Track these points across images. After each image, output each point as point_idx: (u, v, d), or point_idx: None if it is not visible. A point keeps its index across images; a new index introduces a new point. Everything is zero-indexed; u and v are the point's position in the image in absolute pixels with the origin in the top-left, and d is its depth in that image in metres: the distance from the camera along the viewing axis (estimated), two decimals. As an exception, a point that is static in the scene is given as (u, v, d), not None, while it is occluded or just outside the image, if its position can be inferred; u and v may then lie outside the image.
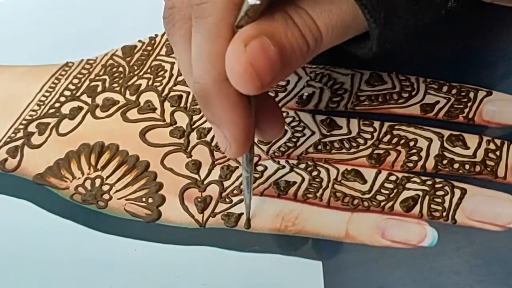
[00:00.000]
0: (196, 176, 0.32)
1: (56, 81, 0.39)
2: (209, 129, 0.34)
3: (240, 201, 0.30)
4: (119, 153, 0.34)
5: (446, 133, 0.31)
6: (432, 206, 0.28)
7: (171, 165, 0.33)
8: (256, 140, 0.32)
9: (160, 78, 0.38)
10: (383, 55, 0.27)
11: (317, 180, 0.30)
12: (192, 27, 0.24)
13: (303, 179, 0.30)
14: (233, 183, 0.31)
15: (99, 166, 0.33)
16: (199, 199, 0.31)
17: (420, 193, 0.28)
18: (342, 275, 0.27)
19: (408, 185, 0.29)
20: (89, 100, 0.37)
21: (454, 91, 0.32)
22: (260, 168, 0.31)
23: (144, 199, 0.31)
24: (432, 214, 0.28)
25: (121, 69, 0.39)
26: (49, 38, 0.43)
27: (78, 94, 0.38)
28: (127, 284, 0.28)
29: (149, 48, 0.40)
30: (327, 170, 0.30)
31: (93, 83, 0.39)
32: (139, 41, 0.41)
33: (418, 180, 0.29)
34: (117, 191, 0.32)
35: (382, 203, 0.28)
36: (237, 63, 0.22)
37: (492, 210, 0.27)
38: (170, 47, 0.40)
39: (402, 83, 0.33)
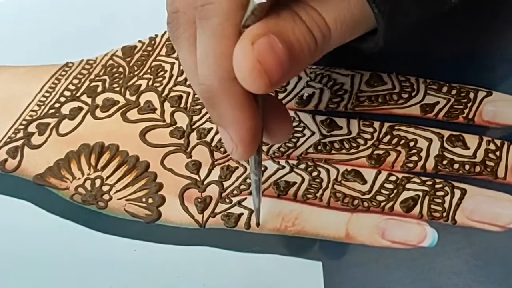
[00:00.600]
0: (196, 177, 0.32)
1: (56, 82, 0.39)
2: (209, 130, 0.34)
3: (240, 201, 0.30)
4: (119, 154, 0.34)
5: (446, 133, 0.31)
6: (432, 206, 0.28)
7: (171, 165, 0.33)
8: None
9: (160, 79, 0.38)
10: (383, 55, 0.27)
11: (317, 180, 0.30)
12: (197, 29, 0.23)
13: (303, 179, 0.30)
14: (233, 183, 0.31)
15: (99, 167, 0.33)
16: (199, 200, 0.31)
17: (420, 193, 0.28)
18: (342, 276, 0.27)
19: (408, 186, 0.29)
20: (89, 101, 0.37)
21: (454, 92, 0.32)
22: (260, 169, 0.31)
23: (144, 200, 0.31)
24: (432, 215, 0.28)
25: (121, 69, 0.39)
26: (49, 38, 0.43)
27: (78, 94, 0.38)
28: (127, 284, 0.28)
29: (149, 48, 0.40)
30: (327, 171, 0.30)
31: (93, 84, 0.39)
32: (139, 41, 0.41)
33: (418, 181, 0.29)
34: (117, 191, 0.32)
35: (382, 204, 0.28)
36: (245, 60, 0.22)
37: (492, 210, 0.27)
38: (170, 47, 0.40)
39: (402, 83, 0.33)
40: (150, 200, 0.31)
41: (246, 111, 0.24)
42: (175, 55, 0.39)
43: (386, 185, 0.29)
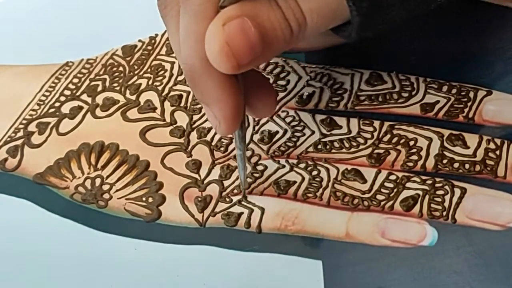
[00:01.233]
0: (196, 176, 0.32)
1: (56, 81, 0.39)
2: (209, 129, 0.34)
3: (240, 200, 0.30)
4: (119, 153, 0.34)
5: (446, 132, 0.31)
6: (432, 205, 0.28)
7: (171, 164, 0.33)
8: (256, 139, 0.32)
9: (160, 78, 0.38)
10: (383, 54, 0.27)
11: (317, 179, 0.30)
12: (180, 9, 0.24)
13: (303, 178, 0.30)
14: (233, 182, 0.31)
15: (99, 166, 0.33)
16: (199, 199, 0.31)
17: (420, 192, 0.28)
18: (342, 274, 0.27)
19: (408, 185, 0.29)
20: (89, 100, 0.37)
21: (454, 91, 0.32)
22: (260, 168, 0.31)
23: (144, 199, 0.31)
24: (432, 214, 0.28)
25: (121, 68, 0.39)
26: (49, 38, 0.43)
27: (78, 93, 0.38)
28: (127, 284, 0.28)
29: (149, 47, 0.40)
30: (327, 170, 0.30)
31: (93, 83, 0.39)
32: (139, 40, 0.41)
33: (418, 180, 0.29)
34: (117, 190, 0.32)
35: (382, 203, 0.28)
36: (213, 41, 0.22)
37: (492, 209, 0.27)
38: (170, 46, 0.40)
39: (402, 82, 0.33)
40: (150, 199, 0.31)
41: (227, 90, 0.24)
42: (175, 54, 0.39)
43: (386, 184, 0.29)
